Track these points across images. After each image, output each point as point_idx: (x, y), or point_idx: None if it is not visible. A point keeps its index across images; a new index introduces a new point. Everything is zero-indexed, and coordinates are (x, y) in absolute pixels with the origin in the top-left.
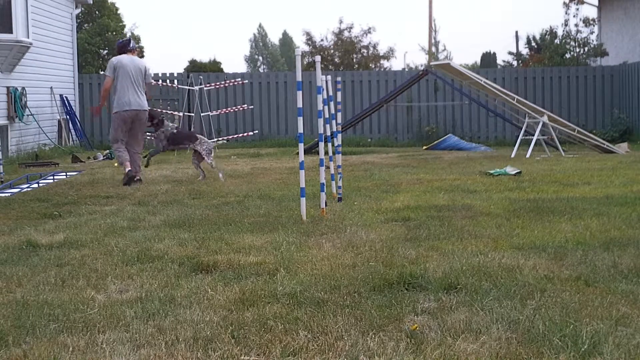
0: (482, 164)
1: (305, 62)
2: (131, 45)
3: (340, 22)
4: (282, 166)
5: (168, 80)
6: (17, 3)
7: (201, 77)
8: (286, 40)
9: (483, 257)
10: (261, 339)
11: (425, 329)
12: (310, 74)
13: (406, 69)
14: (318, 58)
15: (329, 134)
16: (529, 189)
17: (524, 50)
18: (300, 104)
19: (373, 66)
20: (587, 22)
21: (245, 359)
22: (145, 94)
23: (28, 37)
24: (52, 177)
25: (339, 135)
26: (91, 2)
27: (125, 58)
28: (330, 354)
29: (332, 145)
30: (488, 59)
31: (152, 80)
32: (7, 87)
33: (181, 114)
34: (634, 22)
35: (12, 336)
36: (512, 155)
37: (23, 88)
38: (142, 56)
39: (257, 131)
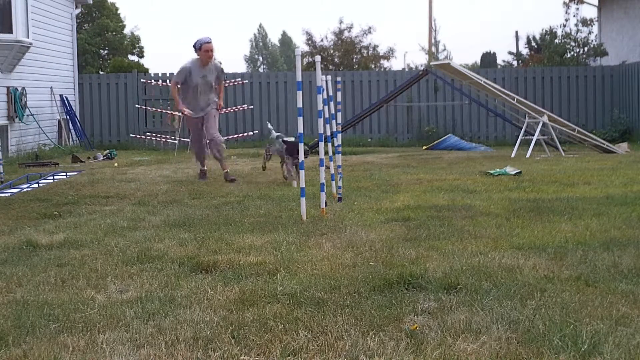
0: (482, 164)
1: (305, 62)
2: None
3: (340, 22)
4: None
5: (168, 80)
6: (17, 3)
7: None
8: (286, 40)
9: (483, 257)
10: (261, 339)
11: (425, 329)
12: (310, 74)
13: (406, 69)
14: (318, 58)
15: (329, 134)
16: (529, 189)
17: (524, 50)
18: (300, 104)
19: (373, 66)
20: (585, 22)
21: (245, 359)
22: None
23: (28, 37)
24: (52, 177)
25: (339, 135)
26: (91, 2)
27: None
28: (330, 354)
29: (332, 145)
30: (488, 59)
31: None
32: (7, 87)
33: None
34: (634, 22)
35: (12, 336)
36: (512, 155)
37: (23, 88)
38: (142, 56)
39: (257, 131)
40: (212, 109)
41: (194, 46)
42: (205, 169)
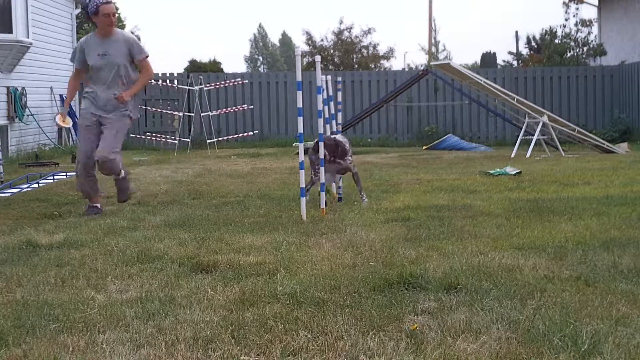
0: (482, 164)
1: (305, 62)
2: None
3: (341, 22)
4: (282, 166)
5: (168, 80)
6: (17, 3)
7: (201, 77)
8: (286, 40)
9: (483, 257)
10: (261, 339)
11: (425, 329)
12: (310, 74)
13: (406, 69)
14: (318, 58)
15: (329, 134)
16: (529, 189)
17: (524, 50)
18: (300, 104)
19: (373, 66)
20: (585, 22)
21: (245, 359)
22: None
23: (28, 37)
24: (52, 177)
25: (339, 135)
26: None
27: None
28: (330, 354)
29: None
30: (488, 59)
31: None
32: (7, 87)
33: (181, 114)
34: (634, 22)
35: (12, 336)
36: (512, 155)
37: (23, 88)
38: None
39: (257, 131)
40: (116, 114)
41: (87, 11)
42: (97, 205)
